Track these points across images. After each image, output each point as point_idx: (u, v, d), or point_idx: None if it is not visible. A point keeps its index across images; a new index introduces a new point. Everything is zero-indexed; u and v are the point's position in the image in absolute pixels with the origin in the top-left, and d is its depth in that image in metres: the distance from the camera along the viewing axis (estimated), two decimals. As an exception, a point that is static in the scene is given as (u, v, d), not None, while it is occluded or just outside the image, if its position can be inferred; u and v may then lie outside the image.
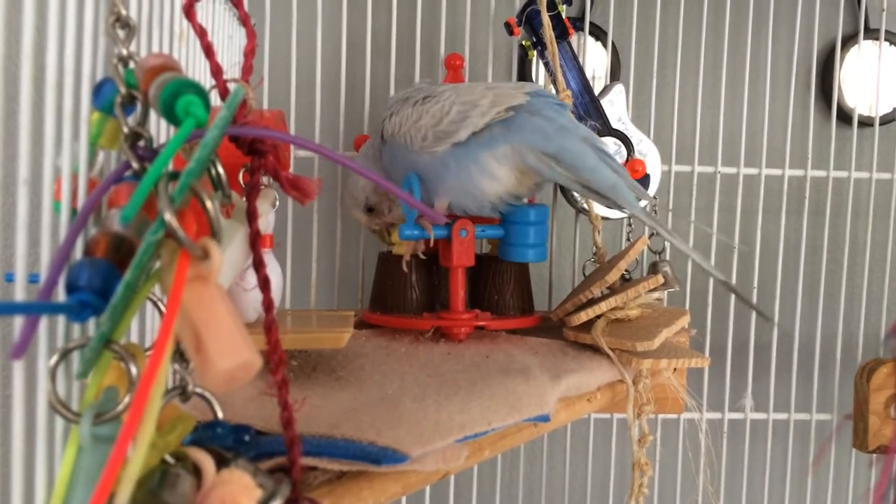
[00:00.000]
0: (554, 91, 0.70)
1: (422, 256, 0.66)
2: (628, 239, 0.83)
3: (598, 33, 0.86)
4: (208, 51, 0.33)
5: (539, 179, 0.62)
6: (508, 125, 0.60)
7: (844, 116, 0.88)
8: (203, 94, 0.28)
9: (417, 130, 0.61)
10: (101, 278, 0.27)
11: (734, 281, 0.85)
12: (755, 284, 0.85)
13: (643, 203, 0.62)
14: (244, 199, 0.34)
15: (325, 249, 0.82)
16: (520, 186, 0.62)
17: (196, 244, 0.27)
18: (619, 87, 0.76)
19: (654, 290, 0.66)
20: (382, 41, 0.82)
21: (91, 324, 0.30)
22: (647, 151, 0.75)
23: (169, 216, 0.26)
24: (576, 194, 0.77)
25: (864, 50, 0.88)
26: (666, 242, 0.83)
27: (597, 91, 0.76)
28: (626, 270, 0.68)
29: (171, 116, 0.28)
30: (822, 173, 0.86)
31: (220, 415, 0.34)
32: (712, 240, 0.85)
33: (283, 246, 0.78)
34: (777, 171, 0.85)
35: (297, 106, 0.78)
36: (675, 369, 0.62)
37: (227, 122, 0.29)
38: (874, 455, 0.82)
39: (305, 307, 0.80)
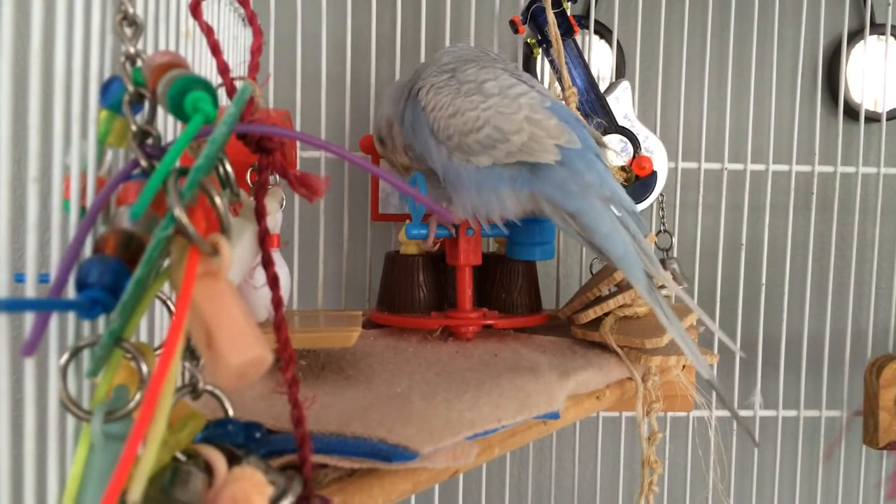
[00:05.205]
0: (559, 89, 0.70)
1: (431, 247, 0.66)
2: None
3: (603, 31, 0.85)
4: (215, 49, 0.33)
5: None
6: (534, 170, 0.56)
7: (851, 112, 0.88)
8: (211, 91, 0.28)
9: (447, 126, 0.58)
10: (111, 275, 0.27)
11: (741, 278, 0.84)
12: (763, 281, 0.85)
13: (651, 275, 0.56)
14: (252, 197, 0.34)
15: (332, 250, 0.82)
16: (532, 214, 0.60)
17: (206, 240, 0.27)
18: (624, 84, 0.76)
19: (662, 287, 0.66)
20: (387, 41, 0.82)
21: (101, 322, 0.30)
22: (654, 148, 0.75)
23: (179, 211, 0.26)
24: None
25: (871, 45, 0.88)
26: (674, 240, 0.83)
27: (602, 89, 0.75)
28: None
29: (180, 113, 0.28)
30: (829, 169, 0.86)
31: (230, 412, 0.34)
32: (720, 235, 0.84)
33: (290, 247, 0.78)
34: (784, 167, 0.85)
35: (302, 107, 0.78)
36: (683, 366, 0.62)
37: (235, 118, 0.28)
38: (885, 451, 0.82)
39: (313, 308, 0.80)
